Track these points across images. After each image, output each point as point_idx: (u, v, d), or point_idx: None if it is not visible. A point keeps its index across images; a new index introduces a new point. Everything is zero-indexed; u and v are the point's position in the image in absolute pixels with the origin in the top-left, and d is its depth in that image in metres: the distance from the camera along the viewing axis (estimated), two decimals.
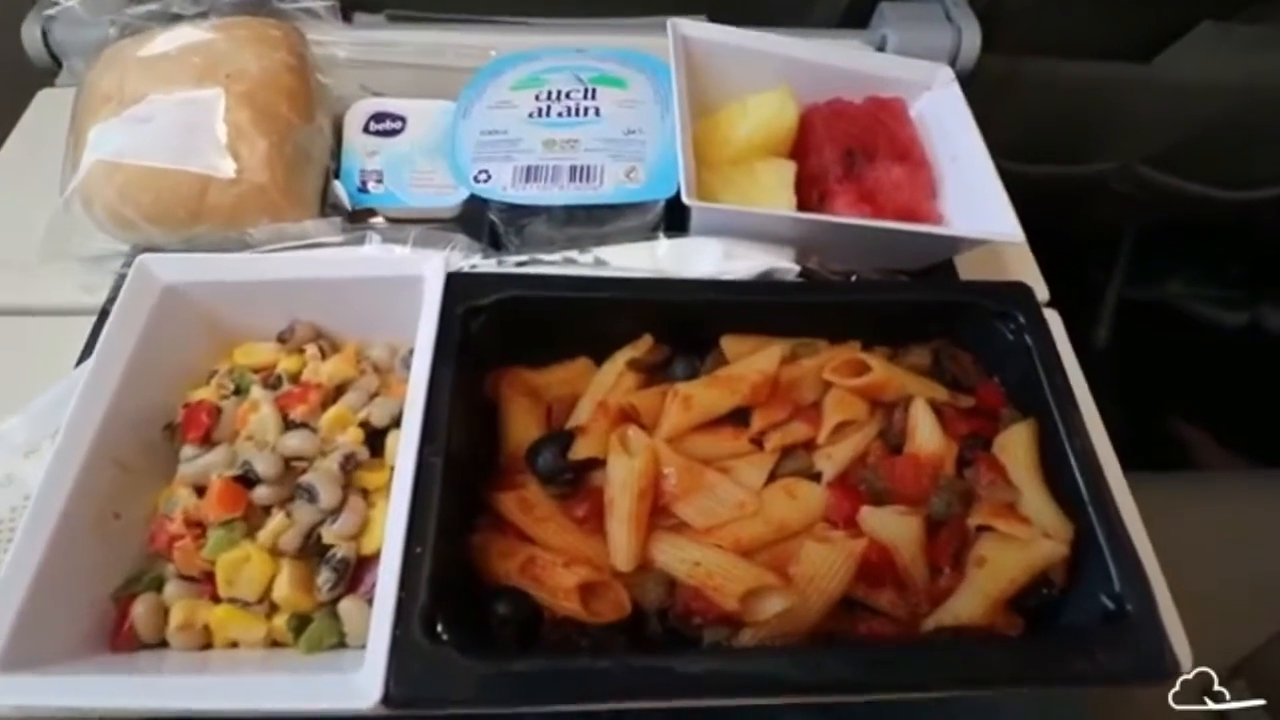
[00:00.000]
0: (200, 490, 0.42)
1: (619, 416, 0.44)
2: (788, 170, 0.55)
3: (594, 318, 0.48)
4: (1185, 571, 0.44)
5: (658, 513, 0.42)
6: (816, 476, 0.44)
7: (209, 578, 0.40)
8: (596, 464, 0.43)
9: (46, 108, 0.67)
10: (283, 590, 0.39)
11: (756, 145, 0.56)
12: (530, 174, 0.54)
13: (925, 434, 0.44)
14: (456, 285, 0.45)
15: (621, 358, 0.47)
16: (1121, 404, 0.61)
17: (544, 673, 0.35)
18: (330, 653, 0.39)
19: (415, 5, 0.72)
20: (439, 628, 0.35)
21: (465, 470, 0.42)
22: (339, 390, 0.46)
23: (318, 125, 0.56)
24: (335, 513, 0.41)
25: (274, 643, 0.40)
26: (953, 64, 0.71)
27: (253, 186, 0.51)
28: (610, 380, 0.47)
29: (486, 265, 0.50)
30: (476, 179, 0.54)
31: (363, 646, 0.35)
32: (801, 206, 0.54)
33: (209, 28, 0.55)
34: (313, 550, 0.41)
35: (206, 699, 0.35)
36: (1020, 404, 0.47)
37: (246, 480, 0.41)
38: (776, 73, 0.59)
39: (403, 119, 0.61)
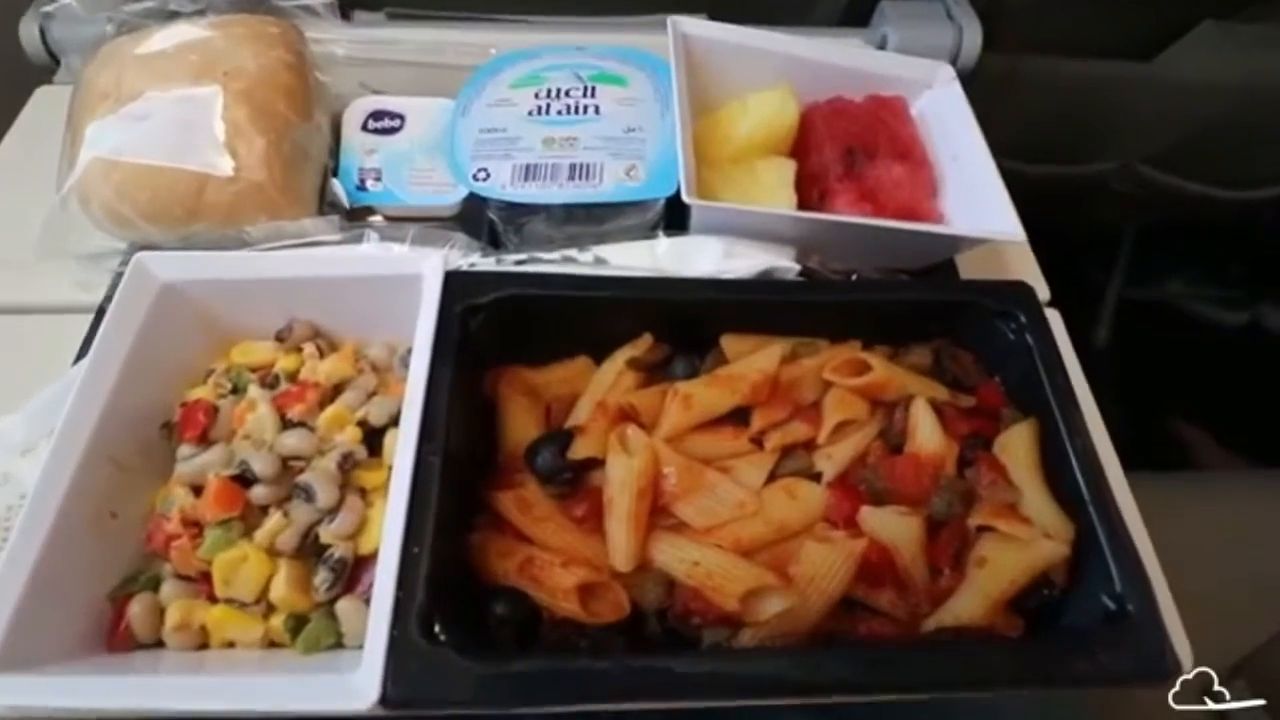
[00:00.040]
0: (197, 490, 0.42)
1: (618, 416, 0.44)
2: (788, 169, 0.55)
3: (593, 316, 0.48)
4: (1185, 571, 0.44)
5: (657, 512, 0.42)
6: (816, 476, 0.44)
7: (206, 577, 0.40)
8: (596, 463, 0.42)
9: (44, 105, 0.66)
10: (280, 590, 0.39)
11: (757, 143, 0.56)
12: (529, 172, 0.54)
13: (926, 434, 0.44)
14: (455, 284, 0.45)
15: (621, 357, 0.47)
16: (1121, 404, 0.61)
17: (542, 673, 0.35)
18: (327, 653, 0.39)
19: (414, 3, 0.72)
20: (437, 628, 0.35)
21: (463, 469, 0.42)
22: (337, 389, 0.46)
23: (316, 123, 0.56)
24: (333, 512, 0.41)
25: (271, 643, 0.40)
26: (954, 62, 0.70)
27: (250, 184, 0.51)
28: (610, 379, 0.47)
29: (485, 264, 0.50)
30: (475, 177, 0.54)
31: (360, 647, 0.35)
32: (802, 205, 0.54)
33: (206, 25, 0.55)
34: (310, 550, 0.41)
35: (203, 700, 0.35)
36: (1021, 404, 0.46)
37: (244, 480, 0.41)
38: (777, 71, 0.59)
39: (401, 117, 0.61)
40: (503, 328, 0.46)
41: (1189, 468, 1.05)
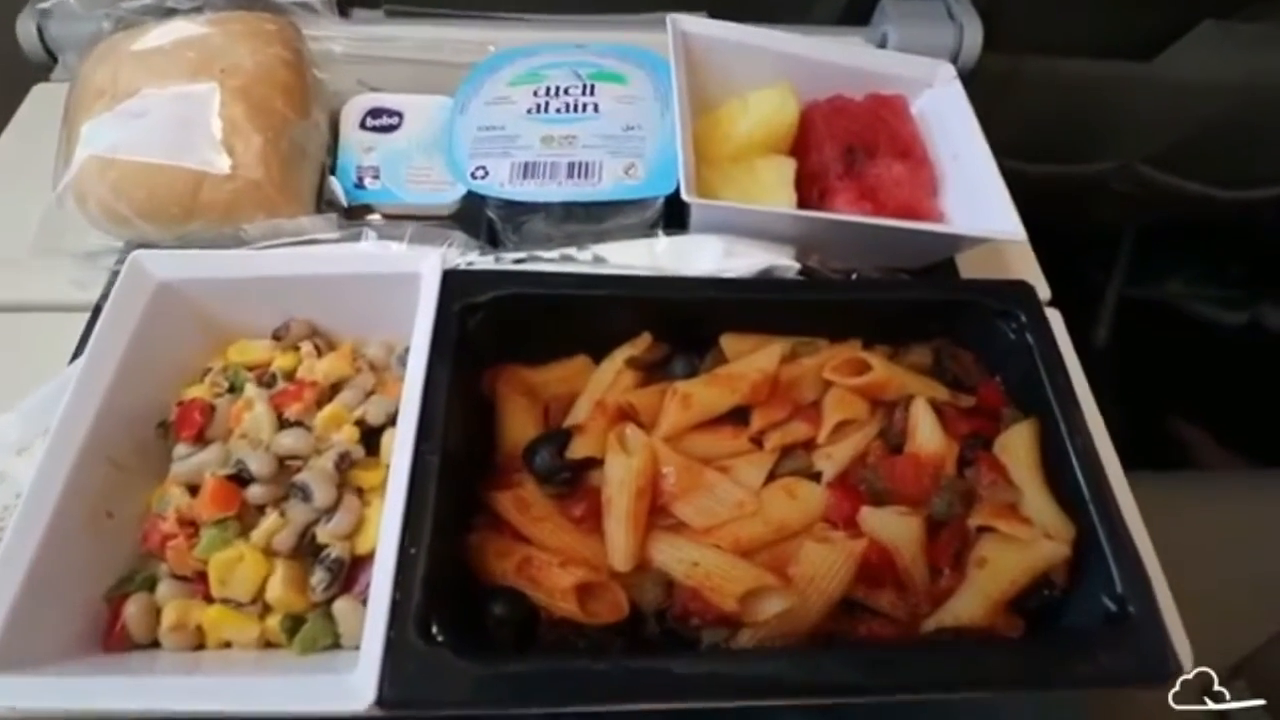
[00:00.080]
0: (193, 489, 0.41)
1: (617, 415, 0.44)
2: (788, 167, 0.55)
3: (592, 315, 0.48)
4: (1185, 571, 0.44)
5: (656, 512, 0.41)
6: (816, 476, 0.43)
7: (202, 578, 0.40)
8: (594, 463, 0.42)
9: (41, 103, 0.66)
10: (276, 590, 0.39)
11: (757, 142, 0.56)
12: (528, 170, 0.54)
13: (926, 434, 0.44)
14: (453, 282, 0.45)
15: (620, 356, 0.47)
16: (1121, 404, 0.60)
17: (540, 674, 0.35)
18: (324, 654, 0.39)
19: (413, 0, 0.72)
20: (434, 628, 0.35)
21: (461, 469, 0.41)
22: (334, 388, 0.45)
23: (314, 121, 0.56)
24: (330, 512, 0.41)
25: (267, 643, 0.40)
26: (954, 61, 0.70)
27: (248, 182, 0.50)
28: (608, 378, 0.46)
29: (484, 262, 0.50)
30: (474, 175, 0.54)
31: (357, 647, 0.35)
32: (802, 204, 0.54)
33: (204, 22, 0.55)
34: (307, 550, 0.41)
35: (199, 700, 0.34)
36: (1021, 403, 0.46)
37: (240, 479, 0.41)
38: (777, 69, 0.58)
39: (400, 114, 0.60)
40: (501, 326, 0.46)
41: (1189, 468, 1.05)
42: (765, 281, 0.50)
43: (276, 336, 0.47)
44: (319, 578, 0.39)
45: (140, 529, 0.41)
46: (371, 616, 0.35)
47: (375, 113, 0.60)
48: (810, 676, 0.35)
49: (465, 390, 0.44)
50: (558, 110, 0.56)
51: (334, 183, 0.56)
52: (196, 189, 0.50)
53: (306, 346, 0.47)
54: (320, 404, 0.44)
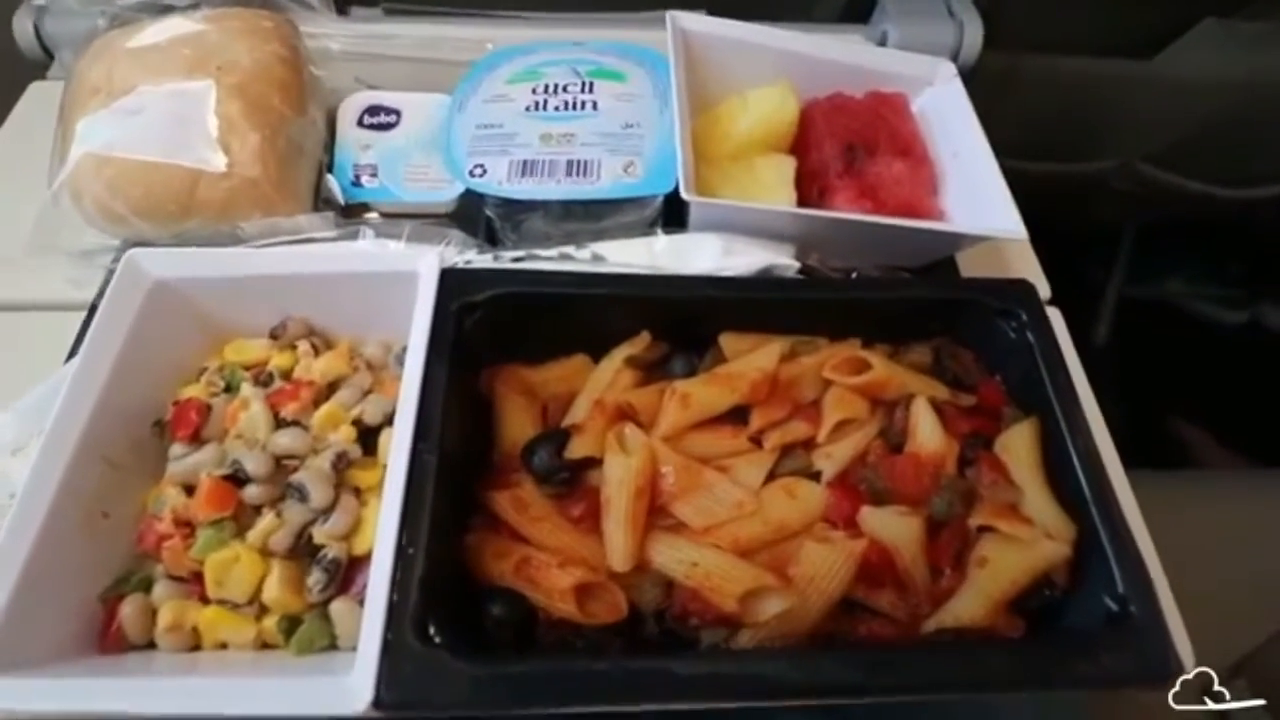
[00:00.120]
0: (189, 489, 0.41)
1: (616, 414, 0.43)
2: (788, 165, 0.55)
3: (591, 314, 0.47)
4: (1186, 571, 0.44)
5: (655, 512, 0.41)
6: (816, 476, 0.43)
7: (198, 578, 0.40)
8: (593, 463, 0.42)
9: (37, 100, 0.66)
10: (273, 591, 0.39)
11: (756, 140, 0.56)
12: (526, 168, 0.53)
13: (926, 433, 0.43)
14: (451, 281, 0.45)
15: (619, 355, 0.47)
16: (1121, 403, 0.60)
17: (539, 675, 0.35)
18: (321, 655, 0.39)
19: None
20: (431, 629, 0.35)
21: (459, 469, 0.41)
22: (331, 388, 0.45)
23: (311, 118, 0.56)
24: (327, 512, 0.40)
25: (264, 645, 0.40)
26: (955, 59, 0.70)
27: (244, 180, 0.50)
28: (607, 378, 0.46)
29: (482, 261, 0.50)
30: (472, 173, 0.54)
31: (354, 649, 0.34)
32: (802, 202, 0.54)
33: (200, 19, 0.54)
34: (303, 550, 0.40)
35: (195, 702, 0.34)
36: (1022, 403, 0.46)
37: (236, 479, 0.41)
38: (777, 67, 0.58)
39: (397, 112, 0.60)
40: (499, 325, 0.46)
41: (1189, 467, 1.05)
42: (765, 280, 0.50)
43: (273, 335, 0.47)
44: (316, 578, 0.39)
45: (136, 529, 0.41)
46: (369, 617, 0.35)
47: (373, 110, 0.60)
48: (810, 677, 0.35)
49: (463, 389, 0.43)
50: (556, 108, 0.56)
51: (331, 181, 0.56)
52: (193, 187, 0.50)
53: (303, 345, 0.47)
54: (317, 403, 0.44)
